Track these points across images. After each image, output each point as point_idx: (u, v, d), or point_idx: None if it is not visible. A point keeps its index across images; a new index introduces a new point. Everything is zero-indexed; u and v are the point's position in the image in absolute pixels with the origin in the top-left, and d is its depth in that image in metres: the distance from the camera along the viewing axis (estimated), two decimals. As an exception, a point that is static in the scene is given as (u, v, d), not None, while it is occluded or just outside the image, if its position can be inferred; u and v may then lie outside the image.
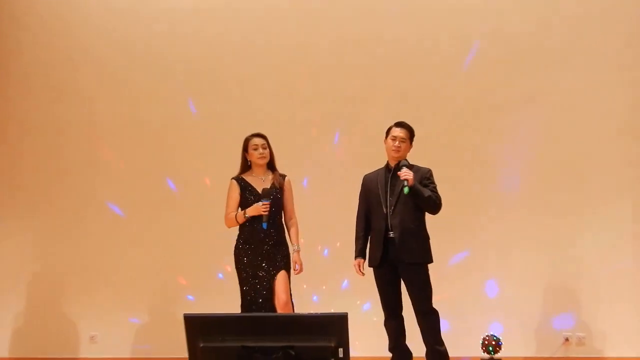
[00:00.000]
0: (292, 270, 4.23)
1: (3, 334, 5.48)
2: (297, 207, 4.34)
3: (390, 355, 4.26)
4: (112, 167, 5.59)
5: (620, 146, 5.26)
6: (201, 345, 2.29)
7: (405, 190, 3.99)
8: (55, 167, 5.61)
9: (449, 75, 5.43)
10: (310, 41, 5.54)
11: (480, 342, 4.77)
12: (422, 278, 4.11)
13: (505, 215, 5.29)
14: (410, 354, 4.24)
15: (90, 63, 5.66)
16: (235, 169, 4.32)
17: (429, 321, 4.10)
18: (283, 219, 4.29)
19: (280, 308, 4.03)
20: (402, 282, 4.17)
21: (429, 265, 4.16)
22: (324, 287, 5.38)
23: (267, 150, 4.25)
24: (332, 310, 5.03)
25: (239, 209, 4.22)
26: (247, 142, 4.27)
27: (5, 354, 5.43)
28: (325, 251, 5.41)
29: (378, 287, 4.22)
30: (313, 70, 5.53)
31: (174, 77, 5.60)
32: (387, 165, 4.28)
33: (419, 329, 4.13)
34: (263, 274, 4.11)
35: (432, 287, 4.12)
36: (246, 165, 4.30)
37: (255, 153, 4.22)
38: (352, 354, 2.31)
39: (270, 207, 4.10)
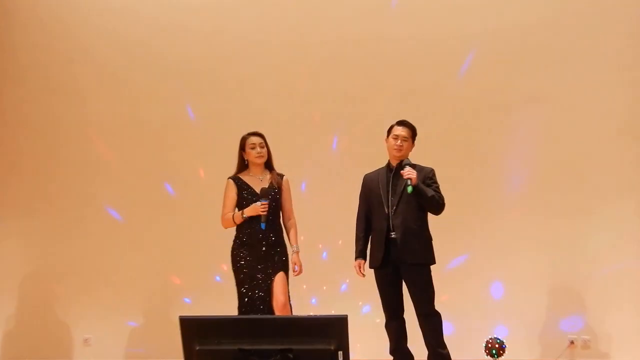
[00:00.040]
0: (290, 272, 4.18)
1: (-4, 336, 5.44)
2: (296, 207, 4.30)
3: (392, 358, 4.21)
4: (111, 167, 5.57)
5: (620, 146, 5.23)
6: (197, 348, 2.26)
7: (409, 189, 3.94)
8: (53, 168, 5.58)
9: (449, 75, 5.41)
10: (311, 41, 5.52)
11: (484, 345, 4.73)
12: (425, 279, 4.06)
13: (506, 216, 5.26)
14: (412, 357, 4.19)
15: (90, 63, 5.64)
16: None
17: (431, 323, 4.04)
18: (281, 219, 4.24)
19: (279, 310, 3.97)
20: (404, 284, 4.12)
21: (431, 267, 4.11)
22: (323, 289, 5.35)
23: (265, 149, 4.19)
24: (332, 312, 4.99)
25: (236, 209, 4.17)
26: (244, 140, 4.21)
27: (-2, 357, 5.41)
28: (325, 252, 5.38)
29: (379, 288, 4.17)
30: (313, 70, 5.51)
31: (173, 77, 5.57)
32: (389, 164, 4.23)
33: (420, 331, 4.08)
34: (261, 275, 4.06)
35: (435, 288, 4.07)
36: (243, 165, 4.24)
37: (252, 152, 4.17)
38: (352, 357, 2.27)
39: (269, 207, 4.06)
